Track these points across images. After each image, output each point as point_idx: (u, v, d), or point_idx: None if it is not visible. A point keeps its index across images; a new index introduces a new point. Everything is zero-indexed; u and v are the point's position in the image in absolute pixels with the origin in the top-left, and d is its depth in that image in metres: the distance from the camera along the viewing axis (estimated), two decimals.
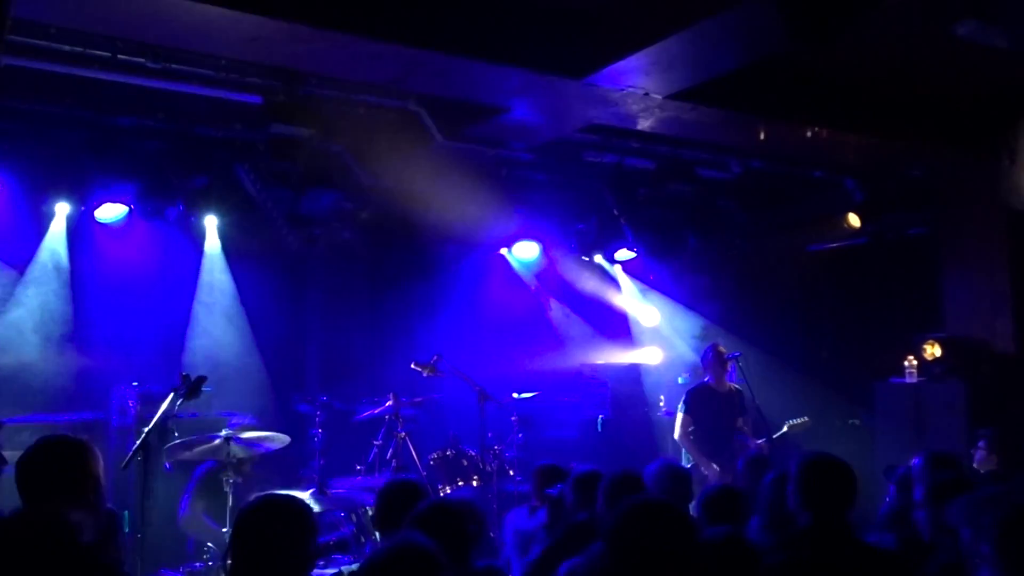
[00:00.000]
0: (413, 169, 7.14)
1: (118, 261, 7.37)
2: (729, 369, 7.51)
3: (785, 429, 7.43)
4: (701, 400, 7.39)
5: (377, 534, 3.60)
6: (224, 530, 5.47)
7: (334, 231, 7.95)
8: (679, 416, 7.36)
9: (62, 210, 6.97)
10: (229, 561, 2.78)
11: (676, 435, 7.40)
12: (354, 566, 5.30)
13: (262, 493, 3.02)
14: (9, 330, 7.03)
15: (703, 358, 7.57)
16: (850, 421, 8.92)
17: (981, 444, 6.44)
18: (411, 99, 6.41)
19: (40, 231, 7.07)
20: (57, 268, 7.22)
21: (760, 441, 7.12)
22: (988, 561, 2.78)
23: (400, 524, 3.28)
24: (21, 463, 2.97)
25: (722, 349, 7.48)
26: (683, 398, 7.53)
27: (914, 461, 4.55)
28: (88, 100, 6.13)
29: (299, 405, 7.30)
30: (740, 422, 7.39)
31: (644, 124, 6.60)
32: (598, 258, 9.38)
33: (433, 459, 7.29)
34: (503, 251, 9.12)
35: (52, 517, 2.60)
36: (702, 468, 7.07)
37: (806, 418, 7.48)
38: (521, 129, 6.77)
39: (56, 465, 2.95)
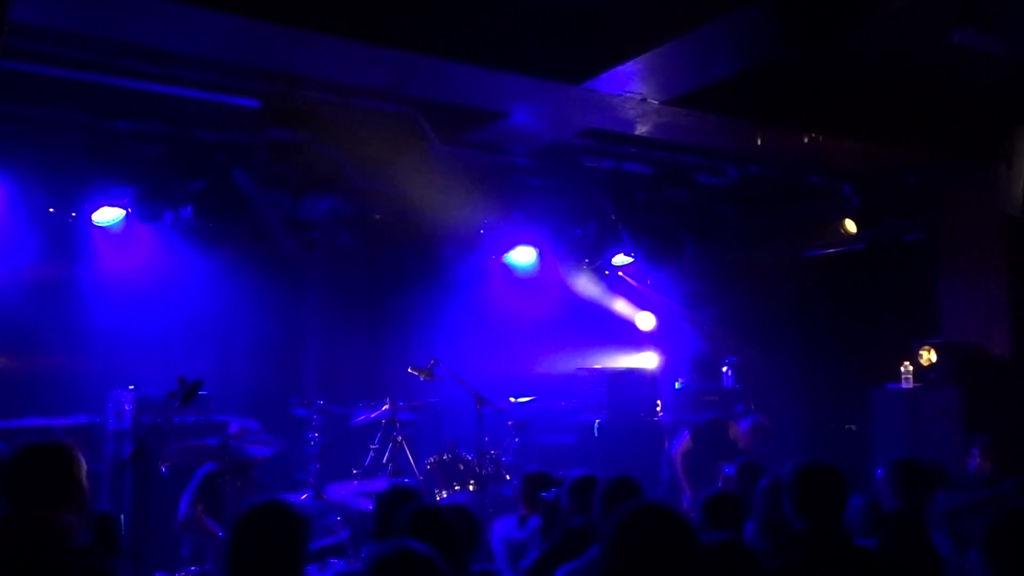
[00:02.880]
0: (411, 173, 7.14)
1: (115, 264, 7.37)
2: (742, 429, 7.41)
3: None
4: (711, 434, 7.34)
5: (375, 541, 3.57)
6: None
7: (332, 235, 7.94)
8: (685, 437, 7.34)
9: (59, 213, 6.96)
10: (226, 565, 2.78)
11: (674, 450, 7.41)
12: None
13: (257, 497, 3.01)
14: (5, 333, 7.03)
15: (747, 424, 7.43)
16: (847, 426, 8.93)
17: (975, 451, 6.46)
18: (409, 103, 6.42)
19: (38, 234, 7.06)
20: (54, 271, 7.22)
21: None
22: (977, 566, 2.79)
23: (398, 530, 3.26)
24: (4, 467, 2.96)
25: (765, 426, 7.39)
26: (695, 424, 7.47)
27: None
28: (86, 104, 6.13)
29: (296, 409, 7.30)
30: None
31: (642, 129, 6.61)
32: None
33: (430, 463, 7.29)
34: (501, 256, 9.12)
35: (43, 520, 2.58)
36: (683, 488, 7.14)
37: None
38: (519, 134, 6.78)
39: (39, 469, 2.92)
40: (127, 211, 6.82)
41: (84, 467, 3.00)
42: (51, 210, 6.81)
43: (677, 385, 9.21)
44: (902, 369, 7.78)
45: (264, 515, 2.84)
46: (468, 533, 3.58)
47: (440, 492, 7.11)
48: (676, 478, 7.32)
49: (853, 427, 8.83)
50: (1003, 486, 5.04)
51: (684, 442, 7.33)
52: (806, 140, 6.85)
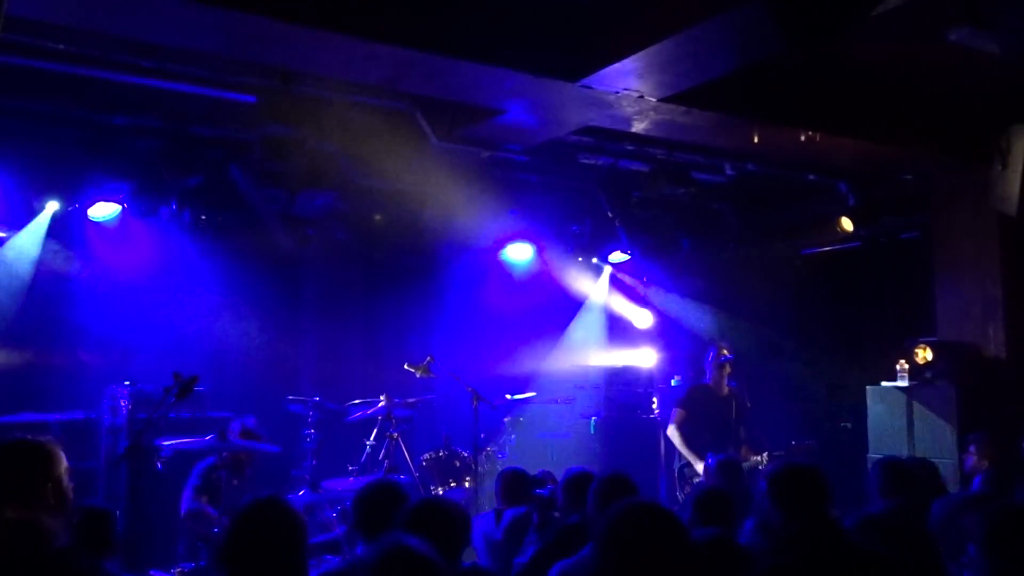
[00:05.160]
0: (408, 170, 7.13)
1: (111, 260, 7.36)
2: (727, 372, 7.53)
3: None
4: (697, 398, 7.45)
5: (360, 538, 3.53)
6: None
7: (328, 232, 7.94)
8: (674, 411, 7.44)
9: (55, 208, 6.94)
10: (223, 565, 2.75)
11: (668, 430, 7.46)
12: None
13: (254, 495, 3.00)
14: (1, 328, 7.01)
15: (706, 358, 7.61)
16: (842, 424, 8.95)
17: (972, 449, 6.47)
18: (406, 100, 6.41)
19: (33, 229, 7.04)
20: (50, 266, 7.20)
21: (762, 455, 7.08)
22: (974, 563, 2.79)
23: (383, 526, 3.24)
24: None
25: (725, 351, 7.52)
26: (679, 394, 7.61)
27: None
28: (82, 98, 6.11)
29: (292, 405, 7.30)
30: (742, 432, 7.42)
31: (639, 127, 6.61)
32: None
33: (426, 460, 7.29)
34: (497, 252, 9.11)
35: (16, 522, 2.55)
36: (693, 464, 7.15)
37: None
38: (516, 131, 6.77)
39: (12, 470, 2.86)
40: (123, 206, 6.81)
41: (64, 465, 2.96)
42: (47, 204, 6.78)
43: (674, 382, 9.22)
44: (898, 367, 7.79)
45: (263, 510, 2.83)
46: (460, 529, 3.58)
47: (436, 488, 7.11)
48: (686, 463, 7.29)
49: (848, 424, 8.84)
50: (1012, 489, 4.98)
51: (675, 415, 7.39)
52: (803, 138, 6.85)
